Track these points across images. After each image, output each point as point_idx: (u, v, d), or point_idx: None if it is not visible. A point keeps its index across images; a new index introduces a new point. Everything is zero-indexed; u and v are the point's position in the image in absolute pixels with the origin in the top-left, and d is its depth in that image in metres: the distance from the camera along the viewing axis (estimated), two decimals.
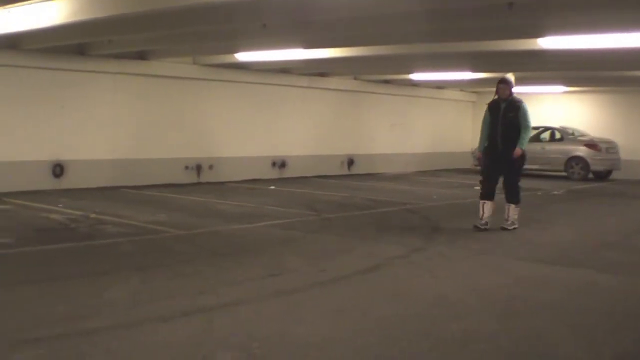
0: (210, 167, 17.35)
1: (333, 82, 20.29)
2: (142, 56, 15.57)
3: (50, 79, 14.40)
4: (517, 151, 9.94)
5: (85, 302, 6.00)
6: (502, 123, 10.04)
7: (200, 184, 16.88)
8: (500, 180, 10.28)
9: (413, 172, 22.46)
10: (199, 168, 17.16)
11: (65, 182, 14.66)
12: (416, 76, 19.87)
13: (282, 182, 17.86)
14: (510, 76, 10.23)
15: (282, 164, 19.11)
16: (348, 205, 13.24)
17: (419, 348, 4.99)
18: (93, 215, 10.89)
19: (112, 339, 5.03)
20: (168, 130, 16.46)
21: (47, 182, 14.42)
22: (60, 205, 12.05)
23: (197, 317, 5.62)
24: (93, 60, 14.83)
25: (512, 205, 10.21)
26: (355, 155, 21.30)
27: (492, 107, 10.23)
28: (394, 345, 4.97)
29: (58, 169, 14.60)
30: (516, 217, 10.27)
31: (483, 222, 10.22)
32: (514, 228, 10.23)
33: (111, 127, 15.52)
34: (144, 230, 9.80)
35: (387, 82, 21.71)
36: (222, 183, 17.06)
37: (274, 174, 18.86)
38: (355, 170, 21.27)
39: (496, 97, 10.21)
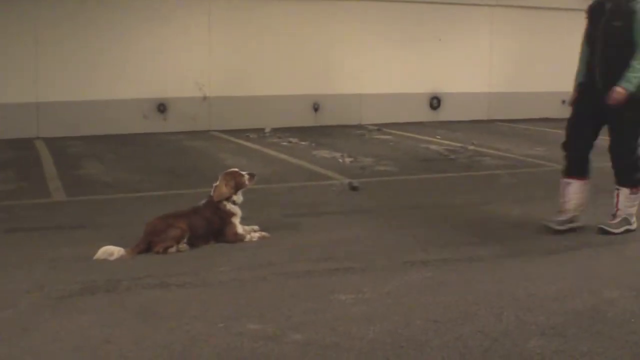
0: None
1: None
2: None
3: (429, 13, 14.76)
4: (618, 92, 5.69)
5: (470, 230, 6.15)
6: (602, 40, 5.88)
7: None
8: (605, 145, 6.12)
9: None
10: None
11: (442, 114, 15.06)
12: None
13: None
14: None
15: None
16: None
17: None
18: (472, 147, 11.05)
19: (498, 267, 5.10)
20: (544, 63, 15.94)
21: (425, 114, 14.96)
22: (438, 136, 12.43)
23: (583, 252, 5.50)
24: None
25: (625, 190, 5.98)
26: None
27: (593, 13, 6.07)
28: None
29: (435, 102, 15.03)
30: (634, 210, 6.06)
31: (564, 217, 6.07)
32: (627, 230, 6.01)
33: (487, 61, 15.51)
34: (522, 163, 9.73)
35: None
36: None
37: None
38: None
39: None
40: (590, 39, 6.01)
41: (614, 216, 6.03)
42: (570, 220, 6.07)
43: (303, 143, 11.48)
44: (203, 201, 5.76)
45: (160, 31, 12.92)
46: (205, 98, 13.26)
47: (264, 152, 10.68)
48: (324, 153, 10.40)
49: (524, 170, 9.19)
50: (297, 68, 13.78)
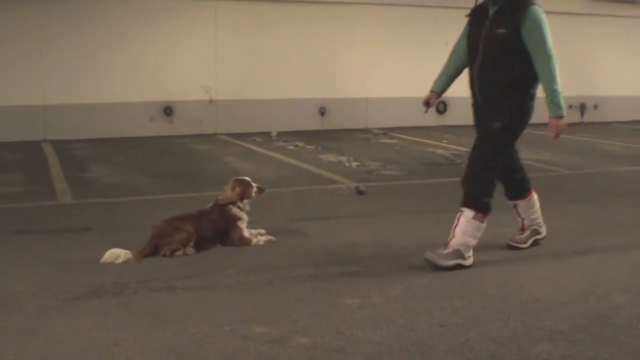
0: (595, 106, 16.52)
1: None
2: None
3: (435, 17, 14.73)
4: (558, 125, 5.15)
5: None
6: (484, 47, 5.12)
7: (583, 123, 16.17)
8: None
9: None
10: (582, 107, 16.43)
11: (448, 119, 15.05)
12: None
13: None
14: None
15: None
16: None
17: None
18: None
19: (504, 271, 5.09)
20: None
21: (431, 119, 14.91)
22: (444, 141, 12.43)
23: (591, 257, 5.48)
24: None
25: (468, 212, 5.12)
26: None
27: (475, 17, 5.30)
28: None
29: (442, 106, 15.03)
30: (473, 242, 5.13)
31: (525, 234, 5.70)
32: (457, 264, 5.05)
33: None
34: (529, 168, 9.63)
35: None
36: (607, 123, 16.15)
37: None
38: None
39: None
40: (471, 47, 5.23)
41: (446, 246, 5.11)
42: (532, 235, 5.69)
43: (309, 147, 11.48)
44: (210, 204, 5.78)
45: (167, 34, 12.95)
46: (211, 101, 13.28)
47: (270, 155, 10.69)
48: (330, 157, 10.40)
49: (531, 175, 9.12)
50: (304, 72, 13.79)
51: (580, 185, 8.63)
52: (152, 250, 5.33)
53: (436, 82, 5.65)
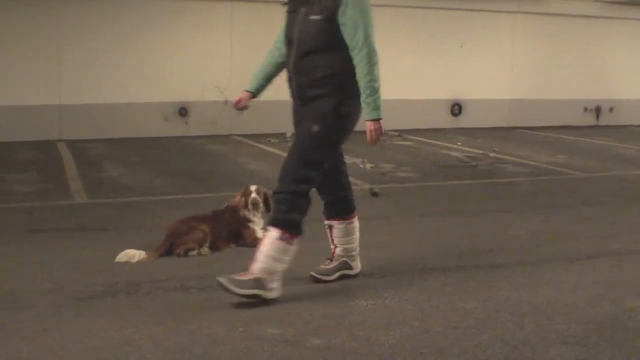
0: (611, 109, 16.43)
1: None
2: None
3: (451, 19, 14.73)
4: (373, 129, 4.49)
5: (490, 237, 6.11)
6: (298, 37, 4.46)
7: (598, 126, 16.09)
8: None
9: None
10: (598, 110, 16.34)
11: (463, 121, 15.01)
12: None
13: None
14: None
15: None
16: None
17: None
18: (492, 154, 11.01)
19: (518, 274, 5.06)
20: (566, 70, 15.87)
21: (446, 121, 14.92)
22: (459, 143, 12.40)
23: (604, 261, 5.45)
24: (492, 0, 14.84)
25: (273, 231, 4.36)
26: None
27: (292, 2, 4.57)
28: None
29: (456, 108, 15.00)
30: (274, 265, 4.34)
31: (333, 265, 4.86)
32: (253, 295, 4.27)
33: (508, 67, 15.45)
34: (543, 170, 9.68)
35: None
36: (623, 126, 16.06)
37: None
38: None
39: None
40: (287, 38, 4.55)
41: (245, 272, 4.33)
42: (340, 268, 4.80)
43: None
44: (225, 205, 5.80)
45: (182, 35, 12.98)
46: (226, 102, 13.28)
47: (284, 156, 10.66)
48: (345, 158, 10.37)
49: (545, 178, 9.15)
50: None
51: (595, 189, 8.59)
52: (167, 249, 5.35)
53: (251, 81, 4.85)
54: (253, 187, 5.79)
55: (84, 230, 6.23)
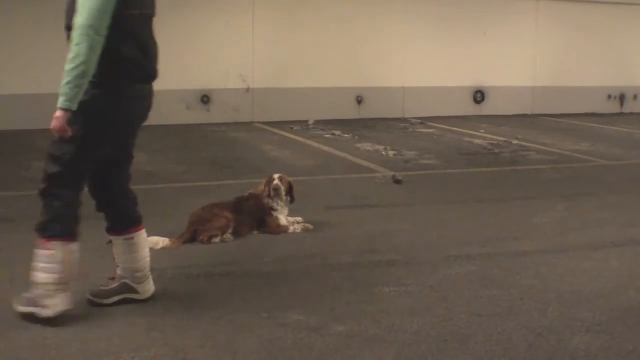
0: (635, 97, 16.25)
1: None
2: None
3: (474, 6, 14.62)
4: (57, 117, 3.69)
5: (514, 225, 6.08)
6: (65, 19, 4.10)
7: (622, 114, 15.92)
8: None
9: None
10: (622, 98, 16.18)
11: (486, 109, 14.92)
12: None
13: None
14: None
15: None
16: None
17: None
18: (516, 142, 10.93)
19: (542, 262, 5.04)
20: (589, 58, 15.69)
21: (468, 108, 14.83)
22: (482, 130, 12.32)
23: (629, 249, 5.42)
24: None
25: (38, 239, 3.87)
26: None
27: None
28: None
29: (479, 96, 14.91)
30: (44, 278, 3.80)
31: (113, 286, 4.19)
32: (31, 313, 3.80)
33: (532, 55, 15.32)
34: (568, 158, 9.61)
35: None
36: None
37: None
38: None
39: None
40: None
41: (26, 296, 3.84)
42: (121, 291, 4.12)
43: (346, 136, 11.46)
44: (248, 192, 5.83)
45: (204, 23, 12.99)
46: (248, 90, 13.32)
47: (307, 144, 10.69)
48: (367, 146, 10.38)
49: (569, 166, 9.07)
50: (341, 61, 13.74)
51: (619, 176, 8.51)
52: (191, 236, 5.38)
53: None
54: (276, 176, 5.81)
55: None
